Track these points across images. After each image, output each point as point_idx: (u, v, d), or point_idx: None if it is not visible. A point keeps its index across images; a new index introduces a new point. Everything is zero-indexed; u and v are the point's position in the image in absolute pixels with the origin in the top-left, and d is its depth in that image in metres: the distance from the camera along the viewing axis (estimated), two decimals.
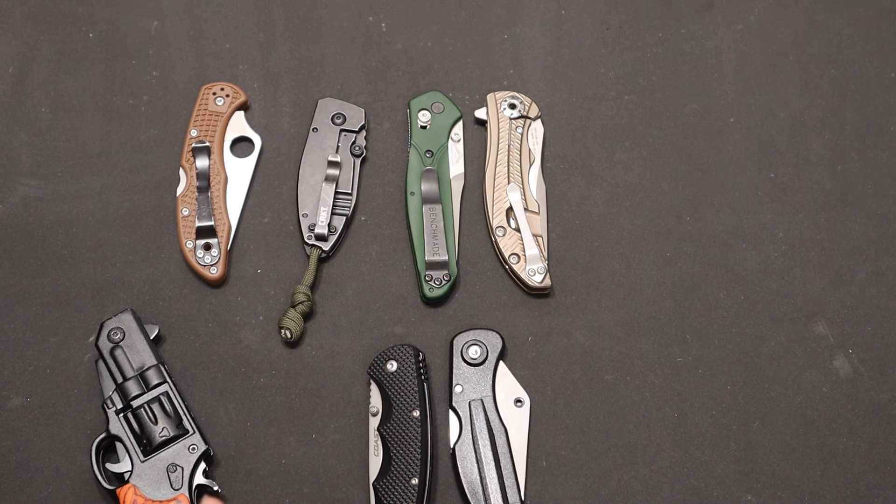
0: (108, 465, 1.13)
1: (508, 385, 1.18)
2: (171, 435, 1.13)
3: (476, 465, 1.14)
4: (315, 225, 1.23)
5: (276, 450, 1.17)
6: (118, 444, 1.14)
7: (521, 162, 1.26)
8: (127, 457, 1.13)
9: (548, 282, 1.21)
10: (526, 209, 1.24)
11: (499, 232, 1.24)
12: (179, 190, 1.25)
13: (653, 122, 1.31)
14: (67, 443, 1.16)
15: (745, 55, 1.34)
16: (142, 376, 1.15)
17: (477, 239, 1.25)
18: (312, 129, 1.28)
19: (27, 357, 1.19)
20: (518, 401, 1.18)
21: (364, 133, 1.28)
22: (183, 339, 1.21)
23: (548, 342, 1.21)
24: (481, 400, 1.16)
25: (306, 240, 1.23)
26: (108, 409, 1.14)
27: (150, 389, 1.15)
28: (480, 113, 1.29)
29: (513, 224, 1.24)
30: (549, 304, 1.23)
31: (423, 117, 1.28)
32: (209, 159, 1.25)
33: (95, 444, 1.13)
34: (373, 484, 1.13)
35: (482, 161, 1.28)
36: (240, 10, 1.35)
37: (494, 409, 1.16)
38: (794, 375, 1.20)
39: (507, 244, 1.23)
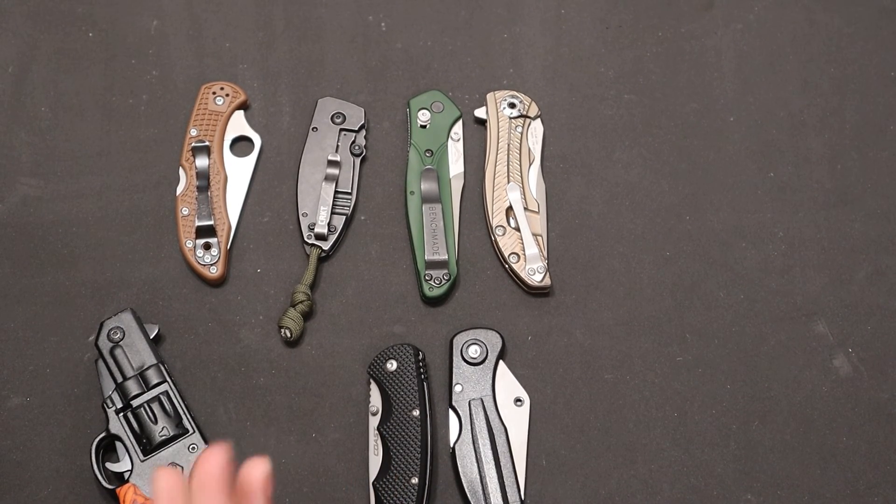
0: (108, 465, 1.13)
1: (508, 384, 1.18)
2: (171, 434, 1.13)
3: (476, 464, 1.14)
4: (315, 224, 1.23)
5: (276, 450, 1.17)
6: (118, 444, 1.14)
7: (520, 161, 1.26)
8: (127, 456, 1.13)
9: (547, 281, 1.21)
10: (526, 208, 1.24)
11: (498, 231, 1.24)
12: (179, 189, 1.25)
13: (652, 121, 1.30)
14: (67, 442, 1.16)
15: (744, 55, 1.33)
16: (142, 376, 1.15)
17: (477, 238, 1.25)
18: (312, 129, 1.28)
19: (27, 357, 1.19)
20: (518, 400, 1.17)
21: (364, 132, 1.28)
22: (183, 339, 1.21)
23: (547, 341, 1.21)
24: (481, 399, 1.16)
25: (306, 239, 1.23)
26: (108, 408, 1.14)
27: (149, 389, 1.15)
28: (480, 112, 1.29)
29: (512, 223, 1.24)
30: (549, 303, 1.22)
31: (423, 116, 1.28)
32: (209, 159, 1.25)
33: (95, 443, 1.13)
34: (373, 483, 1.13)
35: (482, 160, 1.28)
36: (240, 9, 1.35)
37: (494, 408, 1.16)
38: (794, 374, 1.20)
39: (506, 243, 1.23)
